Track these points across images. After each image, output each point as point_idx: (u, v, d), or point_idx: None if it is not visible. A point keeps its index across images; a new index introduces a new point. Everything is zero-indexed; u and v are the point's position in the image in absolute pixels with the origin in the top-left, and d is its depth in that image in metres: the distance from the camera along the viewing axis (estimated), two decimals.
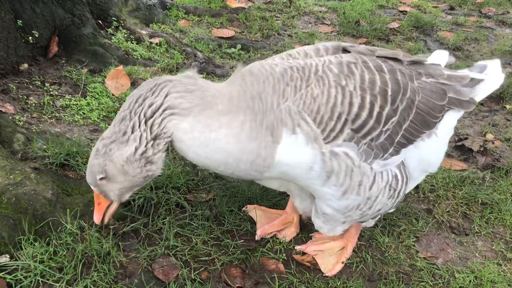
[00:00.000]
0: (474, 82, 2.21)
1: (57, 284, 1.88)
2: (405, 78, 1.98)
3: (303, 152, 1.83)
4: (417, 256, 2.30)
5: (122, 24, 4.18)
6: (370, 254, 2.28)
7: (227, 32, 4.48)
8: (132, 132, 1.78)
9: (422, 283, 2.15)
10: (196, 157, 1.85)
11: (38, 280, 1.88)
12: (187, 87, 1.83)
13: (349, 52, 2.04)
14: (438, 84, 2.07)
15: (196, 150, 1.81)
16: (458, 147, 3.26)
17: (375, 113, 1.88)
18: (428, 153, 2.13)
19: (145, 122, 1.78)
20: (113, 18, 4.20)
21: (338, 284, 2.10)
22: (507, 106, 3.81)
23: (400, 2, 5.90)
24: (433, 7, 5.84)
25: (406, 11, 5.59)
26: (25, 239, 2.01)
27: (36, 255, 1.96)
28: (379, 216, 2.25)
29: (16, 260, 1.94)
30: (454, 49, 4.71)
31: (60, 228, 2.10)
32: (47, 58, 3.62)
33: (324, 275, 2.15)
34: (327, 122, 1.83)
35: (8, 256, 1.96)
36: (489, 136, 3.40)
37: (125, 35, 4.06)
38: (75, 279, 1.92)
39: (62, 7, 3.76)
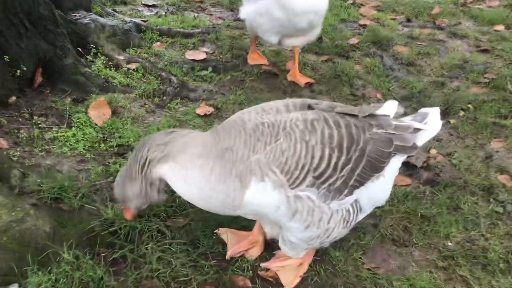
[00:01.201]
0: (416, 130, 2.63)
1: None
2: (358, 131, 2.39)
3: (271, 195, 2.24)
4: (362, 268, 2.74)
5: (101, 51, 4.50)
6: (323, 267, 2.71)
7: (199, 55, 4.84)
8: (135, 179, 2.31)
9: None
10: (182, 194, 2.33)
11: None
12: (161, 141, 2.25)
13: (313, 109, 2.42)
14: (386, 134, 2.49)
15: (178, 186, 2.28)
16: (404, 163, 3.67)
17: (332, 163, 2.30)
18: (376, 192, 2.57)
19: (141, 172, 2.25)
20: (91, 45, 4.52)
21: None
22: (451, 121, 4.26)
23: (361, 15, 6.31)
24: (391, 19, 6.26)
25: (366, 25, 6.00)
26: (30, 270, 2.37)
27: (41, 283, 2.33)
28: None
29: None
30: (408, 64, 5.14)
31: (58, 258, 2.47)
32: (32, 89, 3.93)
33: (284, 285, 2.57)
34: (292, 172, 2.24)
35: (17, 284, 2.33)
36: (433, 152, 3.85)
37: (104, 62, 4.38)
38: None
39: (45, 40, 4.05)
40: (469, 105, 4.44)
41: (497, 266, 2.83)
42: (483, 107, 4.39)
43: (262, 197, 2.23)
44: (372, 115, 2.55)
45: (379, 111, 2.68)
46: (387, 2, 6.74)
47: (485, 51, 5.51)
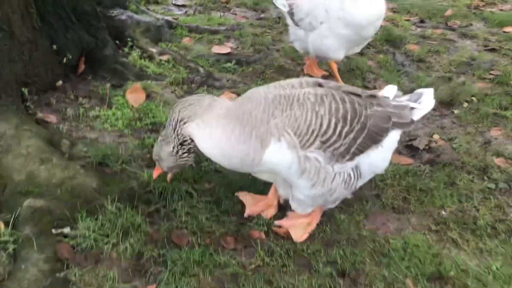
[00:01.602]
0: (412, 108, 3.04)
1: (105, 246, 2.72)
2: (361, 107, 2.80)
3: (285, 155, 2.66)
4: (363, 228, 3.13)
5: (136, 44, 5.00)
6: (329, 226, 3.11)
7: (224, 49, 5.30)
8: (171, 137, 2.77)
9: (364, 246, 2.98)
10: (206, 149, 2.73)
11: (92, 243, 2.72)
12: (189, 102, 2.72)
13: (322, 86, 2.84)
14: (385, 111, 2.90)
15: (202, 142, 2.70)
16: (408, 146, 4.07)
17: (337, 131, 2.71)
18: (376, 160, 2.97)
19: (174, 131, 2.68)
20: (128, 38, 5.02)
21: (304, 246, 2.93)
22: (455, 111, 4.61)
23: None
24: (405, 20, 6.64)
25: (381, 25, 6.37)
26: (79, 216, 2.84)
27: (89, 226, 2.79)
28: (338, 202, 3.08)
29: (75, 230, 2.77)
30: (418, 61, 5.51)
31: (103, 209, 2.93)
32: (76, 75, 4.43)
33: (294, 241, 2.97)
34: (303, 135, 2.65)
35: (69, 227, 2.79)
36: (435, 137, 4.21)
37: (139, 53, 4.87)
38: (117, 243, 2.75)
39: (88, 32, 4.56)
40: (473, 98, 4.78)
41: (485, 231, 3.18)
42: (486, 99, 4.73)
43: (278, 155, 2.64)
44: (373, 96, 2.96)
45: (380, 93, 3.09)
46: (403, 5, 7.11)
47: (492, 50, 5.84)
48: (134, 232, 2.83)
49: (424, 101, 3.12)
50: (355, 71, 5.17)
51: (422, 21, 6.68)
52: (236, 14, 6.50)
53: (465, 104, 4.70)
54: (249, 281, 2.68)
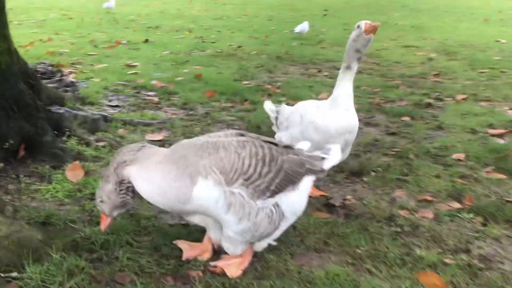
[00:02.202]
0: (323, 159, 3.62)
1: (52, 286, 2.90)
2: (277, 153, 3.33)
3: (212, 190, 3.07)
4: (290, 264, 3.50)
5: (73, 133, 5.38)
6: (259, 265, 3.45)
7: (158, 136, 5.80)
8: (109, 177, 3.02)
9: (292, 277, 3.33)
10: (144, 191, 3.08)
11: (39, 283, 2.89)
12: (133, 148, 3.14)
13: (244, 136, 3.37)
14: (299, 159, 3.45)
15: (141, 184, 3.06)
16: (325, 205, 4.59)
17: (258, 170, 3.18)
18: (294, 201, 3.43)
19: (114, 170, 3.00)
20: (66, 129, 5.41)
21: (238, 280, 3.24)
22: (364, 179, 5.26)
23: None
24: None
25: None
26: (26, 263, 3.02)
27: (36, 271, 2.97)
28: (266, 242, 3.47)
29: (22, 274, 2.94)
30: None
31: (49, 257, 3.13)
32: (16, 159, 4.70)
33: (229, 277, 3.27)
34: (228, 173, 3.10)
35: (16, 272, 2.96)
36: (348, 197, 4.79)
37: (77, 141, 5.24)
38: (63, 282, 2.94)
39: (28, 122, 4.92)
40: (378, 168, 5.49)
41: (395, 262, 3.64)
42: (389, 169, 5.45)
43: (206, 192, 3.05)
44: (289, 146, 3.52)
45: (295, 146, 3.67)
46: None
47: (393, 133, 6.74)
48: (79, 273, 3.04)
49: (333, 154, 3.72)
50: None
51: None
52: (167, 111, 7.12)
53: (372, 173, 5.38)
54: None
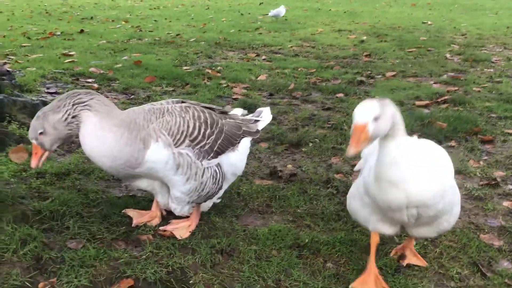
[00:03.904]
0: (256, 121, 3.86)
1: (5, 254, 2.99)
2: (217, 117, 3.54)
3: (162, 152, 3.22)
4: (236, 225, 3.73)
5: (14, 119, 5.36)
6: (206, 226, 3.66)
7: None
8: (63, 107, 3.06)
9: (237, 235, 3.56)
10: (90, 147, 3.13)
11: None
12: (97, 98, 3.15)
13: (185, 102, 3.54)
14: (236, 122, 3.66)
15: (91, 141, 3.10)
16: (268, 173, 4.86)
17: (201, 132, 3.38)
18: (234, 161, 3.68)
19: (72, 105, 3.06)
20: (6, 114, 5.37)
21: (187, 241, 3.44)
22: (303, 149, 5.57)
23: (233, 93, 7.77)
24: (258, 94, 7.79)
25: (237, 98, 7.43)
26: None
27: None
28: (211, 202, 3.68)
29: None
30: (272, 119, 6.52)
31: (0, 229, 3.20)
32: None
33: (178, 238, 3.47)
34: (175, 135, 3.27)
35: None
36: (289, 166, 5.07)
37: (17, 126, 5.23)
38: (16, 249, 3.04)
39: None
40: (316, 139, 5.82)
41: (331, 217, 3.96)
42: (326, 139, 5.79)
43: (157, 154, 3.20)
44: (225, 112, 3.74)
45: (230, 112, 3.89)
46: (254, 84, 8.31)
47: (328, 109, 7.10)
48: (31, 241, 3.13)
49: (264, 116, 3.98)
50: None
51: (271, 94, 7.87)
52: (107, 97, 7.14)
53: (310, 144, 5.70)
54: (142, 265, 3.10)
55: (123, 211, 3.69)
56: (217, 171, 3.51)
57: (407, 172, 2.65)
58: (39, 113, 3.17)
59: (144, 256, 3.22)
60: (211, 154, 3.44)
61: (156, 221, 3.66)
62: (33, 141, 3.19)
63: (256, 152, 5.41)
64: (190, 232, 3.55)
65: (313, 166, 5.06)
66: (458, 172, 4.86)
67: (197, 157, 3.36)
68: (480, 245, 3.55)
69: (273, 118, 6.49)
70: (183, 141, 3.30)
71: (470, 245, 3.56)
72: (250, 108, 6.84)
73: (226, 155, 3.57)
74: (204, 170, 3.41)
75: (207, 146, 3.41)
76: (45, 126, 3.11)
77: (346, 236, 3.65)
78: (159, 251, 3.29)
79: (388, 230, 3.04)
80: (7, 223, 3.24)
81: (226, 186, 3.74)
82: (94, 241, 3.31)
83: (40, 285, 2.83)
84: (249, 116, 3.94)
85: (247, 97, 7.59)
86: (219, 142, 3.48)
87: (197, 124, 3.37)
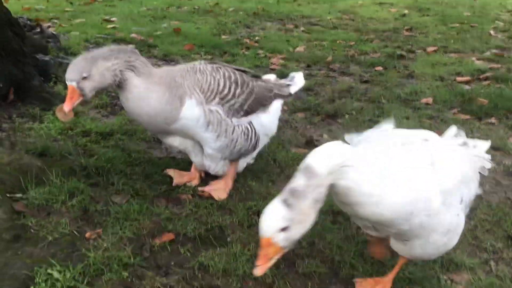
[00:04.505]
0: (288, 85, 3.91)
1: (55, 204, 3.17)
2: (248, 79, 3.60)
3: (195, 110, 3.29)
4: (272, 189, 3.83)
5: (60, 80, 5.54)
6: (243, 190, 3.77)
7: None
8: (115, 59, 3.07)
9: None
10: (133, 105, 3.21)
11: (43, 202, 3.16)
12: (146, 62, 3.26)
13: (216, 63, 3.61)
14: (268, 85, 3.72)
15: (136, 101, 3.18)
16: (306, 143, 4.91)
17: (231, 91, 3.43)
18: (265, 122, 3.73)
19: (124, 61, 3.09)
20: (52, 75, 5.56)
21: (225, 202, 3.55)
22: (339, 121, 5.59)
23: (271, 63, 7.80)
24: (295, 66, 7.79)
25: (275, 68, 7.46)
26: (30, 186, 3.27)
27: (39, 192, 3.23)
28: (244, 161, 3.76)
29: (27, 194, 3.20)
30: (307, 90, 6.53)
31: (49, 181, 3.38)
32: (6, 103, 4.87)
33: (216, 199, 3.57)
34: (206, 93, 3.34)
35: (21, 194, 3.21)
36: (325, 136, 5.12)
37: (63, 87, 5.41)
38: (65, 201, 3.21)
39: (16, 67, 5.07)
40: (353, 111, 5.82)
41: None
42: (363, 112, 5.79)
43: (190, 111, 3.27)
44: (257, 76, 3.79)
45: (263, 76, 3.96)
46: (291, 55, 8.30)
47: (366, 81, 7.06)
48: (79, 194, 3.31)
49: (297, 80, 4.04)
50: None
51: (308, 66, 7.86)
52: None
53: (347, 116, 5.71)
54: (182, 221, 3.24)
55: (164, 171, 3.82)
56: (249, 128, 3.57)
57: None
58: (85, 55, 3.09)
59: (184, 214, 3.35)
60: (241, 113, 3.50)
61: (195, 182, 3.78)
62: (73, 84, 3.04)
63: (292, 122, 5.47)
64: (227, 193, 3.65)
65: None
66: (496, 148, 4.81)
67: (226, 115, 3.42)
68: None
69: (310, 89, 6.58)
70: (214, 98, 3.36)
71: (505, 219, 3.56)
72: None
73: (256, 116, 3.63)
74: (234, 127, 3.46)
75: (236, 105, 3.46)
76: (92, 71, 3.00)
77: None
78: (198, 210, 3.42)
79: (372, 232, 2.73)
80: (56, 176, 3.41)
81: (260, 146, 3.81)
82: (137, 197, 3.46)
83: (87, 234, 3.00)
84: (282, 80, 3.99)
85: (285, 67, 7.60)
86: (249, 102, 3.52)
87: (228, 83, 3.43)
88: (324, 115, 5.69)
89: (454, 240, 2.58)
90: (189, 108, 3.29)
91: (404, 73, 7.43)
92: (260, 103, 3.61)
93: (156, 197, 3.50)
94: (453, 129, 3.01)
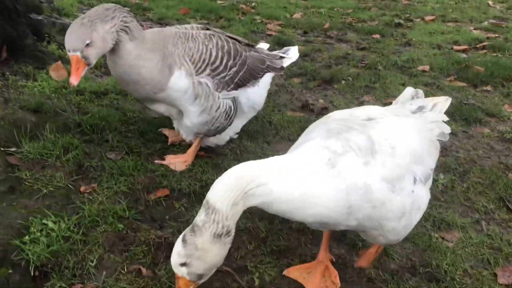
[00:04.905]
0: (281, 58, 3.82)
1: (49, 159, 3.16)
2: (241, 49, 3.46)
3: (184, 81, 3.12)
4: (267, 150, 3.82)
5: (53, 40, 5.46)
6: (239, 150, 3.77)
7: None
8: (112, 20, 2.82)
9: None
10: (121, 72, 3.04)
11: (37, 156, 3.14)
12: (137, 25, 3.01)
13: (209, 30, 3.49)
14: (261, 56, 3.61)
15: (126, 68, 3.00)
16: (300, 107, 4.90)
17: (223, 62, 3.26)
18: (254, 95, 3.58)
19: (121, 21, 2.87)
20: (45, 35, 5.47)
21: (219, 161, 3.55)
22: (335, 86, 5.57)
23: (267, 29, 7.71)
24: (292, 32, 7.71)
25: (272, 34, 7.38)
26: (24, 140, 3.24)
27: (33, 146, 3.21)
28: (227, 135, 3.61)
29: (21, 149, 3.18)
30: (304, 56, 6.49)
31: (43, 136, 3.36)
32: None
33: (174, 171, 3.41)
34: (197, 63, 3.16)
35: (15, 148, 3.19)
36: (321, 101, 5.10)
37: (56, 46, 5.34)
38: (60, 155, 3.20)
39: (9, 25, 4.98)
40: (349, 77, 5.79)
41: None
42: (359, 78, 5.76)
43: (178, 82, 3.11)
44: (251, 45, 3.69)
45: (256, 45, 3.85)
46: (288, 21, 8.21)
47: (363, 49, 7.01)
48: (73, 149, 3.29)
49: (291, 54, 3.92)
50: None
51: (305, 32, 7.78)
52: (142, 26, 7.18)
53: (343, 81, 5.69)
54: (177, 178, 3.25)
55: (159, 130, 3.80)
56: (232, 107, 3.42)
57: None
58: (81, 20, 2.81)
59: (178, 171, 3.35)
60: (231, 86, 3.36)
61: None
62: (76, 54, 2.80)
63: (288, 86, 5.44)
64: (186, 166, 3.45)
65: (345, 102, 5.08)
66: (492, 115, 4.83)
67: (216, 87, 3.27)
68: (508, 183, 3.58)
69: (307, 55, 6.54)
70: (204, 69, 3.20)
71: (498, 182, 3.59)
72: (284, 45, 6.84)
73: (246, 89, 3.49)
74: (219, 104, 3.30)
75: (227, 77, 3.32)
76: (93, 37, 2.77)
77: None
78: (193, 168, 3.42)
79: (325, 229, 2.67)
80: (50, 131, 3.39)
81: (246, 120, 3.73)
82: (132, 154, 3.45)
83: (82, 188, 2.99)
84: (276, 52, 3.88)
85: (282, 33, 7.53)
86: (240, 74, 3.39)
87: (220, 54, 3.27)
88: (320, 80, 5.66)
89: (416, 217, 2.36)
90: (178, 78, 3.11)
91: (401, 41, 7.39)
92: (252, 76, 3.48)
93: (150, 155, 3.49)
94: (408, 91, 2.87)
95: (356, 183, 2.06)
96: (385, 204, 2.14)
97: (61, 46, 5.39)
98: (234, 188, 1.96)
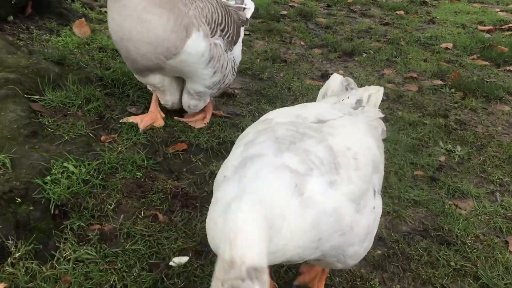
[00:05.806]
0: (245, 9, 3.69)
1: (71, 108, 3.21)
2: (229, 7, 3.37)
3: (201, 43, 2.95)
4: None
5: None
6: (257, 112, 3.79)
7: None
8: None
9: None
10: (129, 28, 2.70)
11: (60, 105, 3.20)
12: None
13: None
14: (235, 11, 3.45)
15: (134, 22, 2.67)
16: (321, 76, 4.89)
17: (226, 22, 3.17)
18: (237, 52, 3.47)
19: None
20: None
21: (237, 121, 3.58)
22: (356, 58, 5.54)
23: (290, 0, 7.65)
24: (315, 4, 7.65)
25: (294, 6, 7.33)
26: (47, 89, 3.30)
27: (56, 95, 3.26)
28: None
29: (44, 97, 3.24)
30: (326, 28, 6.45)
31: (66, 86, 3.41)
32: (24, 16, 4.85)
33: (193, 128, 3.41)
34: (210, 24, 3.03)
35: (38, 95, 3.25)
36: (341, 72, 5.08)
37: (80, 5, 5.37)
38: (81, 105, 3.25)
39: None
40: (370, 50, 5.76)
41: None
42: (380, 51, 5.72)
43: (196, 44, 2.92)
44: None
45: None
46: None
47: (386, 24, 6.94)
48: (95, 101, 3.34)
49: (248, 4, 3.76)
50: (273, 31, 5.99)
51: (328, 6, 7.71)
52: None
53: (364, 54, 5.65)
54: (195, 134, 3.29)
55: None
56: (234, 62, 3.38)
57: None
58: None
59: (196, 129, 3.38)
60: (232, 45, 3.30)
61: (160, 121, 3.35)
62: None
63: (308, 56, 5.43)
64: (205, 124, 3.44)
65: (365, 74, 5.06)
66: None
67: (225, 48, 3.18)
68: None
69: (329, 27, 6.49)
70: (216, 30, 3.08)
71: None
72: (306, 17, 6.80)
73: (235, 46, 3.40)
74: (227, 62, 3.23)
75: (230, 37, 3.23)
76: None
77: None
78: (211, 126, 3.45)
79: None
80: (72, 83, 3.44)
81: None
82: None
83: (102, 138, 3.05)
84: (234, 4, 3.66)
85: (304, 5, 7.47)
86: (234, 32, 3.31)
87: (223, 12, 3.15)
88: (341, 52, 5.63)
89: (374, 234, 1.95)
90: (195, 41, 2.91)
91: (425, 19, 7.29)
92: (238, 33, 3.39)
93: (170, 112, 3.53)
94: (337, 79, 2.42)
95: (325, 210, 1.60)
96: (353, 229, 1.72)
97: (85, 4, 5.43)
98: None
